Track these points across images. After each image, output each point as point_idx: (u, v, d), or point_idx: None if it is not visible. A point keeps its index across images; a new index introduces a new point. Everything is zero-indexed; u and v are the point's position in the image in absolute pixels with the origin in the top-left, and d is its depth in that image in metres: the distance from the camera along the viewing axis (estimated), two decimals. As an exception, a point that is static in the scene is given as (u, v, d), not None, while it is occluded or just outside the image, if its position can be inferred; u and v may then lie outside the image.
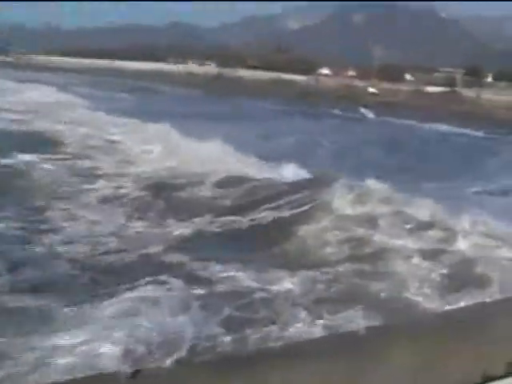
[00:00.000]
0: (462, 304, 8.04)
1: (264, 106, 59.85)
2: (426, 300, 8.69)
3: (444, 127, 48.27)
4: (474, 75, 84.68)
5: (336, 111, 57.64)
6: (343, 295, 8.74)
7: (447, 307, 8.06)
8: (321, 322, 7.68)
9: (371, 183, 13.99)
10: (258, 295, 8.49)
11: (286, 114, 51.48)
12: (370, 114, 56.34)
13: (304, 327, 7.51)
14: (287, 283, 9.08)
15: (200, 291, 8.51)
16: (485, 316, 4.38)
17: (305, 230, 11.89)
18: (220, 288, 8.78)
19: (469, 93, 70.19)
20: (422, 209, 12.36)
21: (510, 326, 4.07)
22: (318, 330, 7.36)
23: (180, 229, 11.90)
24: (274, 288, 8.85)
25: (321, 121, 47.72)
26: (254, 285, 8.91)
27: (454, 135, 43.82)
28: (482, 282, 9.13)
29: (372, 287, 9.09)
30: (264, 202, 13.66)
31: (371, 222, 11.90)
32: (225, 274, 9.33)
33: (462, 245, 10.79)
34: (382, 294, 8.88)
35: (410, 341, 3.85)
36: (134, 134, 23.64)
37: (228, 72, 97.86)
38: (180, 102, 54.71)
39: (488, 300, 7.66)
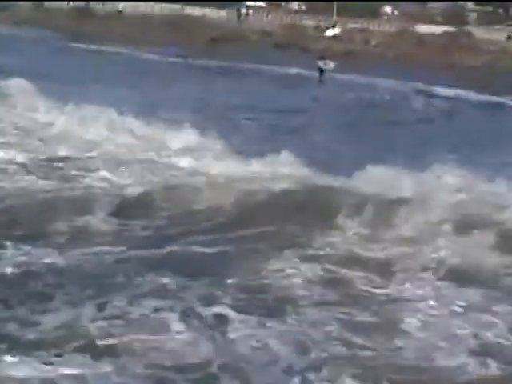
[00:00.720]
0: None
1: (156, 59, 60.64)
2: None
3: (447, 91, 48.07)
4: (499, 7, 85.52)
5: (274, 66, 57.32)
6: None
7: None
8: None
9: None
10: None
11: (190, 72, 51.63)
12: (331, 68, 55.62)
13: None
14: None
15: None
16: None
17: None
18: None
19: (488, 34, 70.19)
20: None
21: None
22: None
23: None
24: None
25: (248, 82, 47.92)
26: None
27: (463, 104, 43.88)
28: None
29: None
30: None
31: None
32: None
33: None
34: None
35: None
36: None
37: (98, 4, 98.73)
38: (32, 52, 55.34)
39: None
